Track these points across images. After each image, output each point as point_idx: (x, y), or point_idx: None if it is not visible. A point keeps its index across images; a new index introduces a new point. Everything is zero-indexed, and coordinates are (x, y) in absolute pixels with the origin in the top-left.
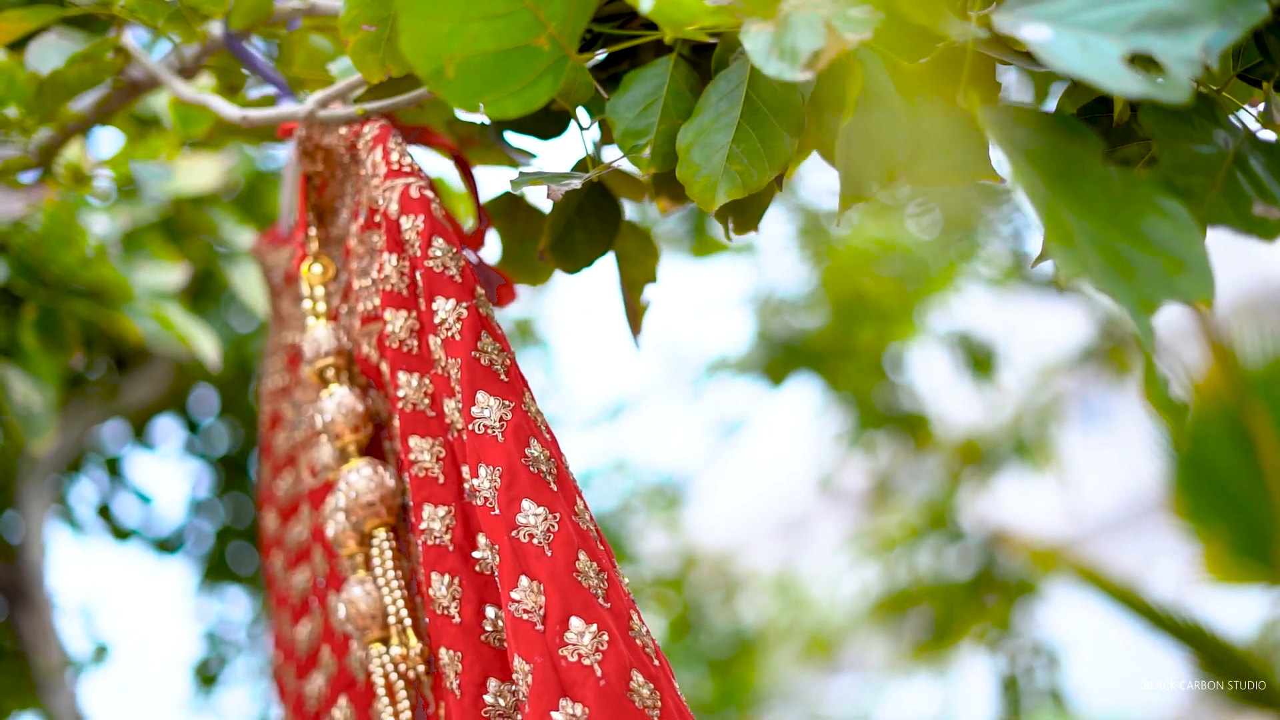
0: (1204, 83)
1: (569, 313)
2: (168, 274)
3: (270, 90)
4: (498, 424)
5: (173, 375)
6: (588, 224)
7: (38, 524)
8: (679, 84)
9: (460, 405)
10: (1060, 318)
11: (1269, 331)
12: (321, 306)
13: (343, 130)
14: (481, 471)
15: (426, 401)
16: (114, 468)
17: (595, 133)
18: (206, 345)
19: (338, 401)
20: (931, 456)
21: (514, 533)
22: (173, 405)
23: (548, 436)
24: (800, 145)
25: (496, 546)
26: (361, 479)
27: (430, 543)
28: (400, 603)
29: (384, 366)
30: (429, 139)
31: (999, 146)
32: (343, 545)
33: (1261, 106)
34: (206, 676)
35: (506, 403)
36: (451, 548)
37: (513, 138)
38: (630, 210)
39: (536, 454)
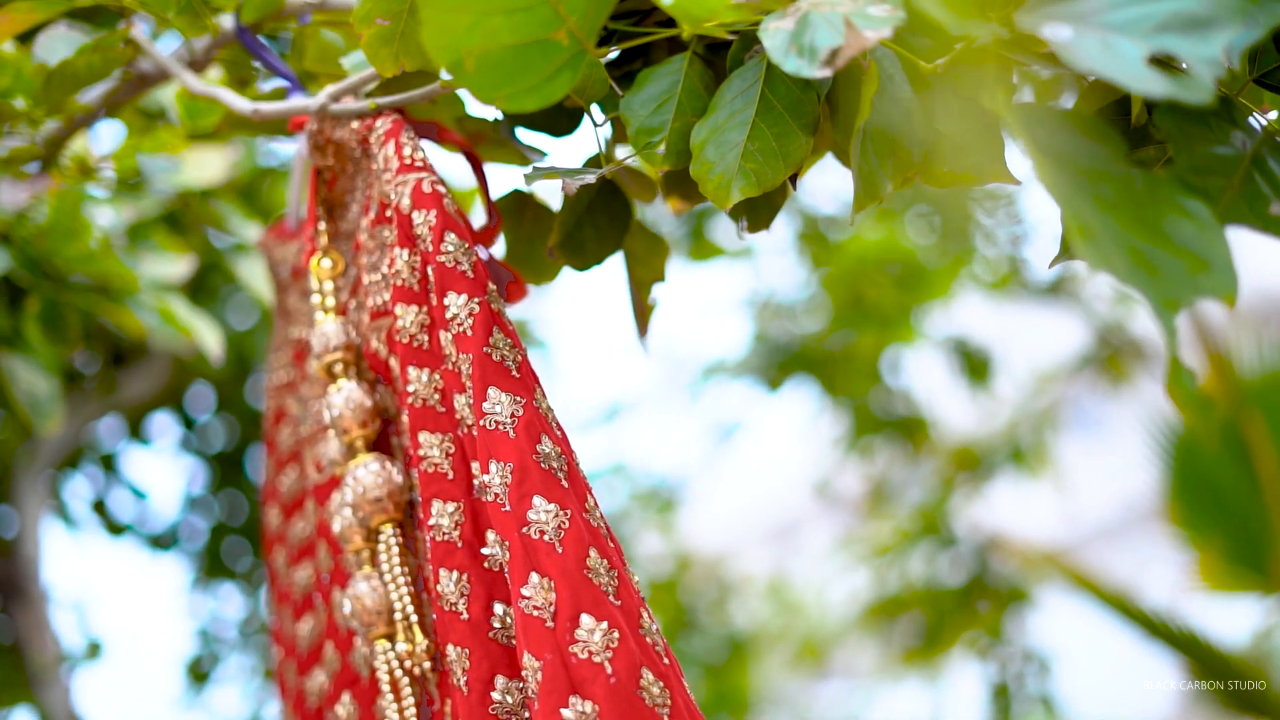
0: (1222, 85)
1: (565, 315)
2: (172, 266)
3: (280, 84)
4: (509, 420)
5: (170, 371)
6: (597, 222)
7: (33, 519)
8: (693, 82)
9: (471, 401)
10: (1057, 324)
11: (1266, 341)
12: (330, 301)
13: (354, 124)
14: (492, 467)
15: (436, 397)
16: (109, 463)
17: (606, 131)
18: (210, 338)
19: (346, 396)
20: (926, 462)
21: (525, 529)
22: (169, 401)
23: (559, 433)
24: (814, 145)
25: (507, 543)
26: (369, 474)
27: (439, 539)
28: (407, 599)
29: (393, 362)
30: (440, 135)
31: (1024, 145)
32: (349, 541)
33: (1275, 114)
34: (199, 674)
35: (518, 399)
36: (460, 544)
37: (524, 134)
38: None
39: (548, 450)
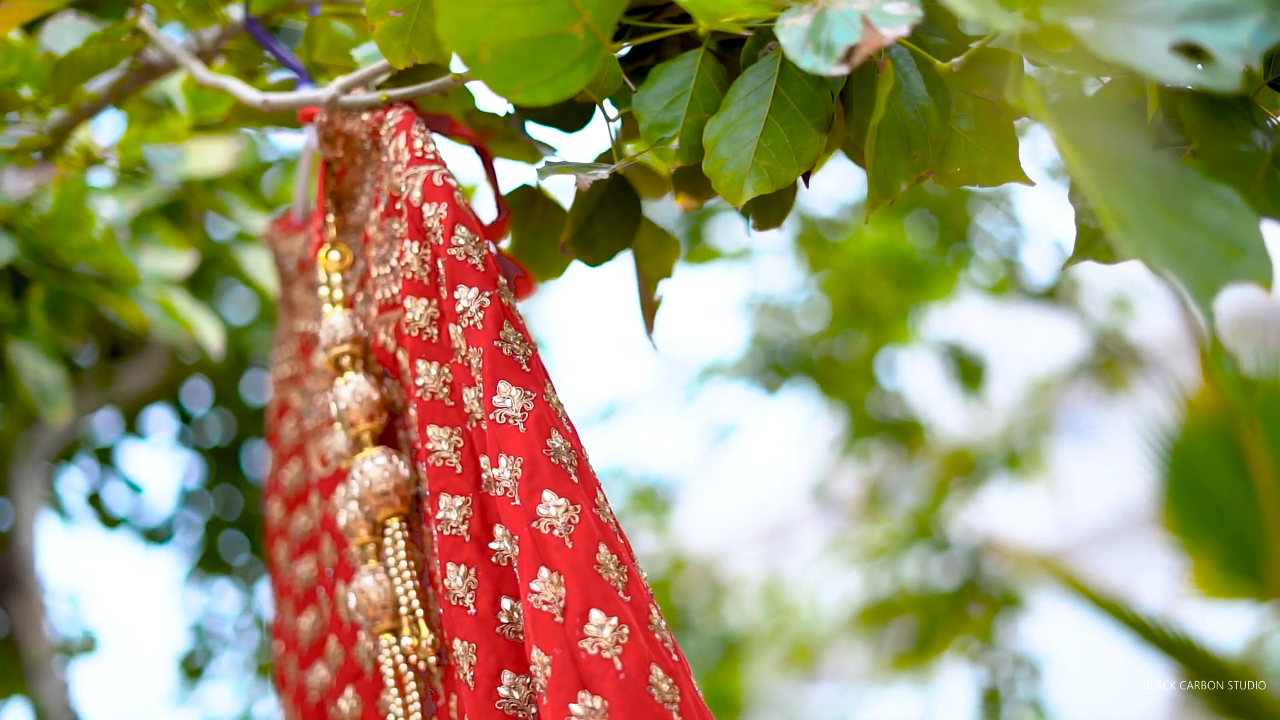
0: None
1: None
2: (174, 260)
3: (287, 76)
4: (519, 414)
5: (167, 364)
6: (608, 217)
7: (30, 511)
8: (707, 78)
9: (481, 395)
10: (1054, 330)
11: (1263, 348)
12: (338, 294)
13: (365, 116)
14: (502, 461)
15: (445, 391)
16: (105, 457)
17: (616, 126)
18: (210, 333)
19: (353, 389)
20: (921, 465)
21: (534, 524)
22: (165, 395)
23: (569, 429)
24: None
25: (516, 537)
26: (376, 467)
27: (446, 533)
28: (412, 593)
29: (401, 355)
30: (450, 129)
31: (1055, 135)
32: (354, 534)
33: None
34: (192, 669)
35: (528, 393)
36: (468, 538)
37: (534, 129)
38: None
39: (558, 445)
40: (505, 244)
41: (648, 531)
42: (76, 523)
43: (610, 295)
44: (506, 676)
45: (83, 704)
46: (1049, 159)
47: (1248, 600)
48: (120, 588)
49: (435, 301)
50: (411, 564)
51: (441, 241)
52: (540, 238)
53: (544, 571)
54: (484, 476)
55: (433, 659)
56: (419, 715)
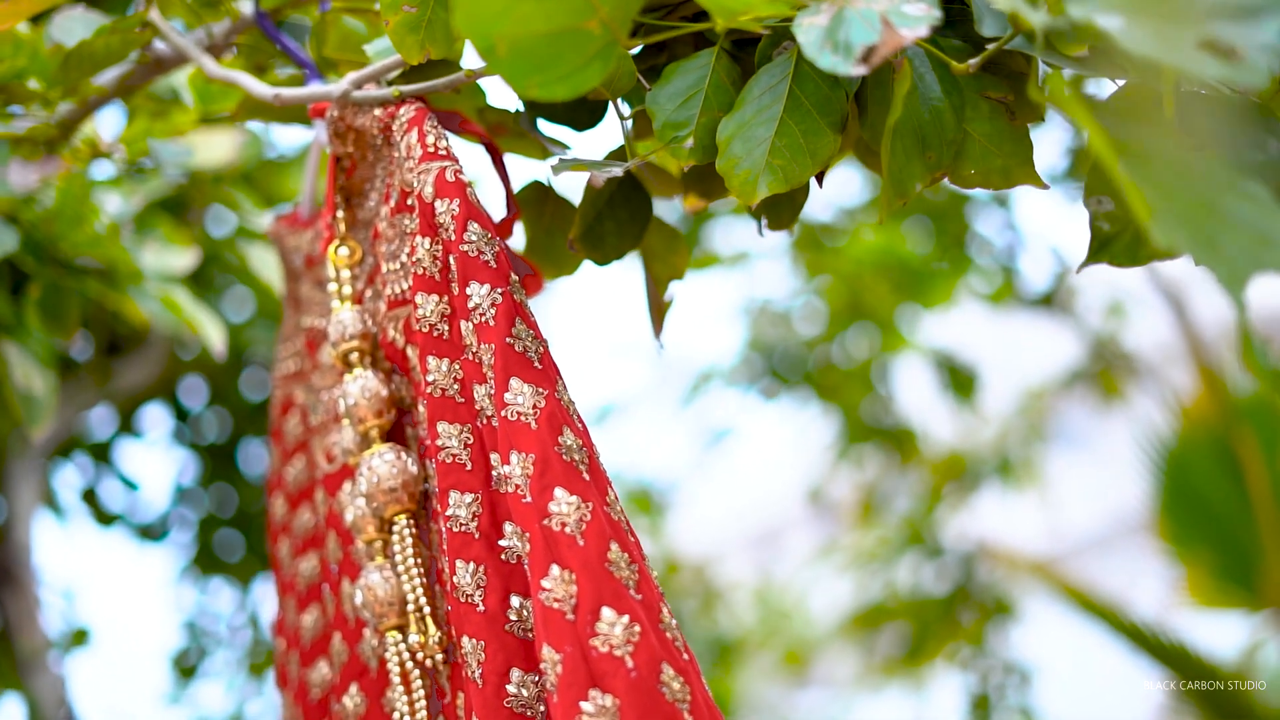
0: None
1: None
2: (178, 257)
3: (294, 72)
4: (531, 411)
5: (165, 361)
6: (618, 216)
7: (27, 506)
8: (720, 77)
9: (492, 391)
10: (1050, 337)
11: (1260, 357)
12: (347, 289)
13: (377, 112)
14: (513, 458)
15: (456, 387)
16: (101, 453)
17: (627, 126)
18: (213, 332)
19: (362, 385)
20: (915, 471)
21: (546, 521)
22: (162, 393)
23: (580, 426)
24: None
25: (527, 534)
26: (384, 464)
27: (455, 529)
28: (419, 590)
29: (411, 351)
30: (461, 126)
31: (1085, 128)
32: (361, 531)
33: None
34: (185, 667)
35: (540, 390)
36: (477, 535)
37: (545, 127)
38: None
39: (570, 443)
40: (515, 241)
41: (641, 534)
42: (71, 519)
43: (605, 297)
44: (515, 674)
45: (77, 700)
46: (1047, 166)
47: (1241, 610)
48: (114, 585)
49: (446, 298)
50: (419, 561)
51: (454, 237)
52: (552, 234)
53: (555, 569)
54: (494, 474)
55: (439, 656)
56: (425, 713)
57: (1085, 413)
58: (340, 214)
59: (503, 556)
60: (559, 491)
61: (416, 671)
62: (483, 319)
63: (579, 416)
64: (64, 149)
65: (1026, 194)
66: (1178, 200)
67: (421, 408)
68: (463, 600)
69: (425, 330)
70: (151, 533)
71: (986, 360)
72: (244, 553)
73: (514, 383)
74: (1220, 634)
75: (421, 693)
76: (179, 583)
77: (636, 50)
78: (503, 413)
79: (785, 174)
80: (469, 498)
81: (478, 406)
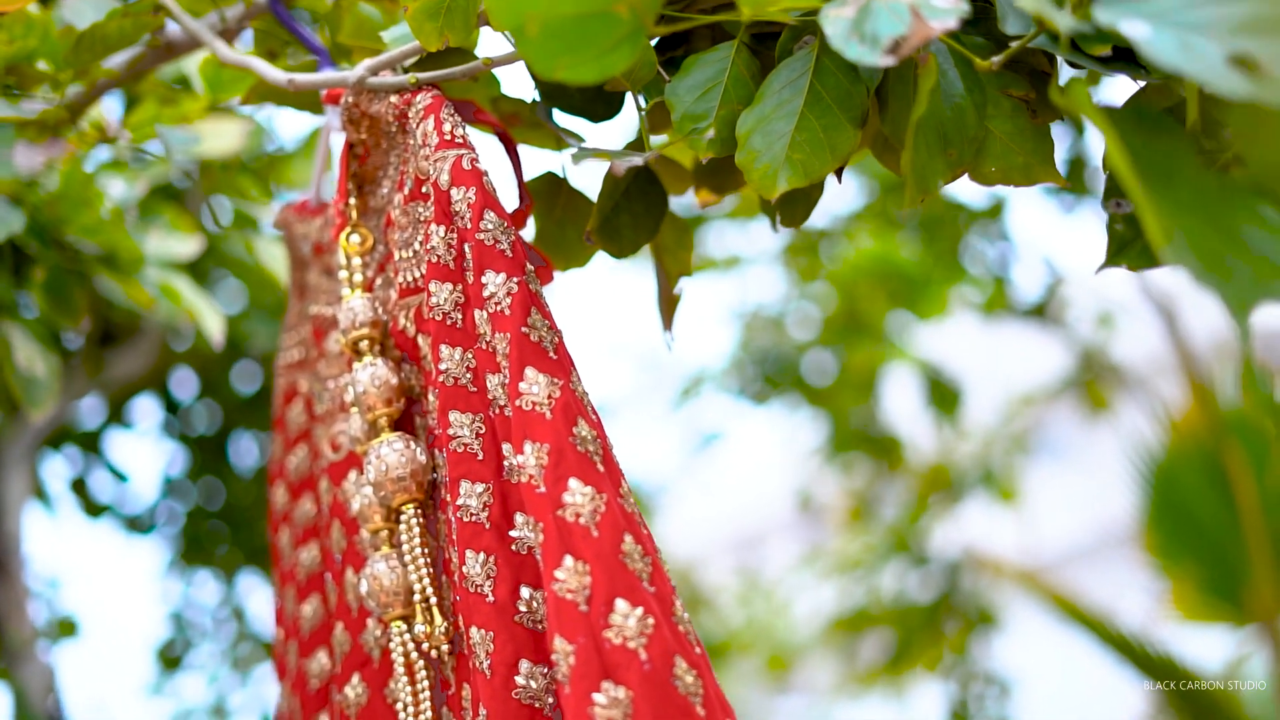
0: None
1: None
2: (181, 244)
3: (303, 58)
4: (546, 401)
5: (157, 352)
6: (634, 209)
7: (18, 496)
8: (740, 70)
9: (506, 381)
10: (1040, 347)
11: (1250, 373)
12: (358, 277)
13: (393, 98)
14: (527, 448)
15: (469, 376)
16: (91, 443)
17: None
18: (212, 322)
19: (371, 373)
20: (901, 479)
21: (560, 511)
22: (153, 384)
23: (594, 418)
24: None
25: (540, 525)
26: (393, 453)
27: (466, 519)
28: (426, 580)
29: (422, 340)
30: (474, 115)
31: (1109, 142)
32: (368, 520)
33: None
34: (170, 659)
35: (555, 380)
36: (488, 525)
37: (561, 118)
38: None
39: (584, 434)
40: (526, 233)
41: None
42: (59, 509)
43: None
44: (524, 665)
45: (64, 690)
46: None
47: (1226, 624)
48: (101, 576)
49: (460, 286)
50: (426, 551)
51: (469, 226)
52: (564, 226)
53: (569, 560)
54: (506, 464)
55: (445, 647)
56: (429, 704)
57: (1073, 423)
58: (352, 201)
59: (513, 547)
60: (573, 482)
61: (421, 662)
62: (498, 308)
63: (593, 408)
64: (70, 132)
65: (1020, 204)
66: (1193, 220)
67: (432, 397)
68: (472, 590)
69: (438, 319)
70: (139, 524)
71: (975, 370)
72: (230, 546)
73: (529, 372)
74: (1204, 647)
75: (426, 684)
76: (165, 575)
77: (654, 42)
78: (517, 402)
79: (805, 168)
80: (480, 487)
81: (490, 396)
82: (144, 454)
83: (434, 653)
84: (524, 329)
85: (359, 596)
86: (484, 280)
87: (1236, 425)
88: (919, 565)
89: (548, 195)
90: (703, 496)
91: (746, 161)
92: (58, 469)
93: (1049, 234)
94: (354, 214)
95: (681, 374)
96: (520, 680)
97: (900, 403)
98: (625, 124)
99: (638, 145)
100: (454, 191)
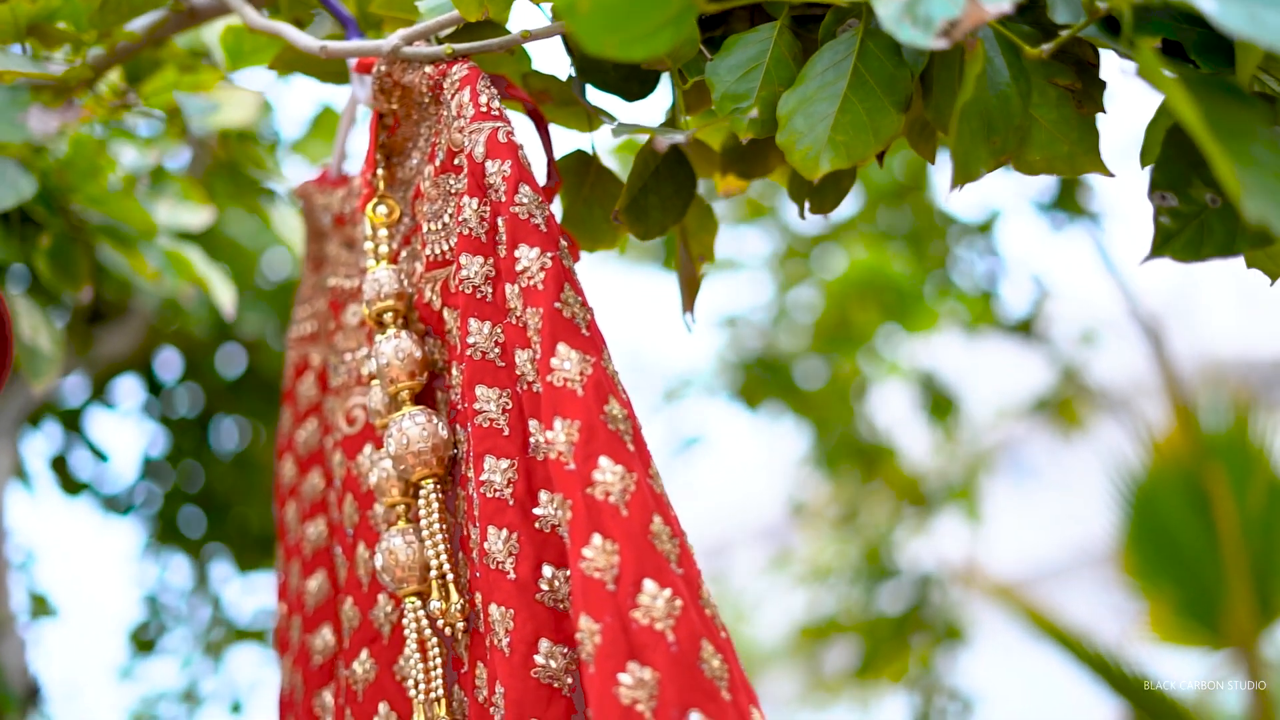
0: None
1: None
2: (192, 214)
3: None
4: (578, 378)
5: (145, 332)
6: (663, 190)
7: (2, 472)
8: (782, 51)
9: (537, 356)
10: (1022, 364)
11: (1234, 396)
12: (384, 249)
13: (427, 69)
14: (557, 425)
15: (497, 351)
16: (72, 421)
17: (669, 99)
18: (224, 294)
19: (395, 345)
20: (877, 490)
21: (589, 489)
22: (137, 364)
23: (624, 397)
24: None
25: (569, 502)
26: (415, 426)
27: (489, 495)
28: (443, 556)
29: (448, 314)
30: (506, 90)
31: (1178, 102)
32: (384, 494)
33: None
34: (143, 641)
35: (587, 357)
36: (511, 502)
37: (594, 96)
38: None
39: (615, 412)
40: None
41: None
42: (37, 487)
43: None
44: (544, 644)
45: (39, 669)
46: (1035, 193)
47: (1201, 648)
48: (77, 555)
49: (492, 260)
50: (444, 527)
51: (504, 199)
52: (592, 206)
53: (597, 538)
54: (532, 440)
55: (460, 624)
56: (440, 682)
57: (1052, 441)
58: (380, 172)
59: (537, 525)
60: (604, 460)
61: (434, 639)
62: (531, 283)
63: (623, 388)
64: (86, 96)
65: (1010, 221)
66: (1268, 176)
67: (457, 371)
68: (493, 567)
69: (468, 292)
70: (117, 505)
71: (957, 385)
72: (207, 529)
73: (561, 348)
74: (1178, 669)
75: (438, 661)
76: (141, 557)
77: None
78: (548, 378)
79: (848, 150)
80: (505, 463)
81: (518, 371)
82: (125, 434)
83: (448, 630)
84: (557, 304)
85: (371, 571)
86: (517, 254)
87: (1219, 448)
88: (890, 577)
89: (576, 174)
90: (680, 499)
91: (788, 142)
92: (37, 446)
93: (1038, 252)
94: (381, 185)
95: (663, 376)
96: (540, 659)
97: (886, 414)
98: (651, 106)
99: (669, 126)
100: (489, 164)
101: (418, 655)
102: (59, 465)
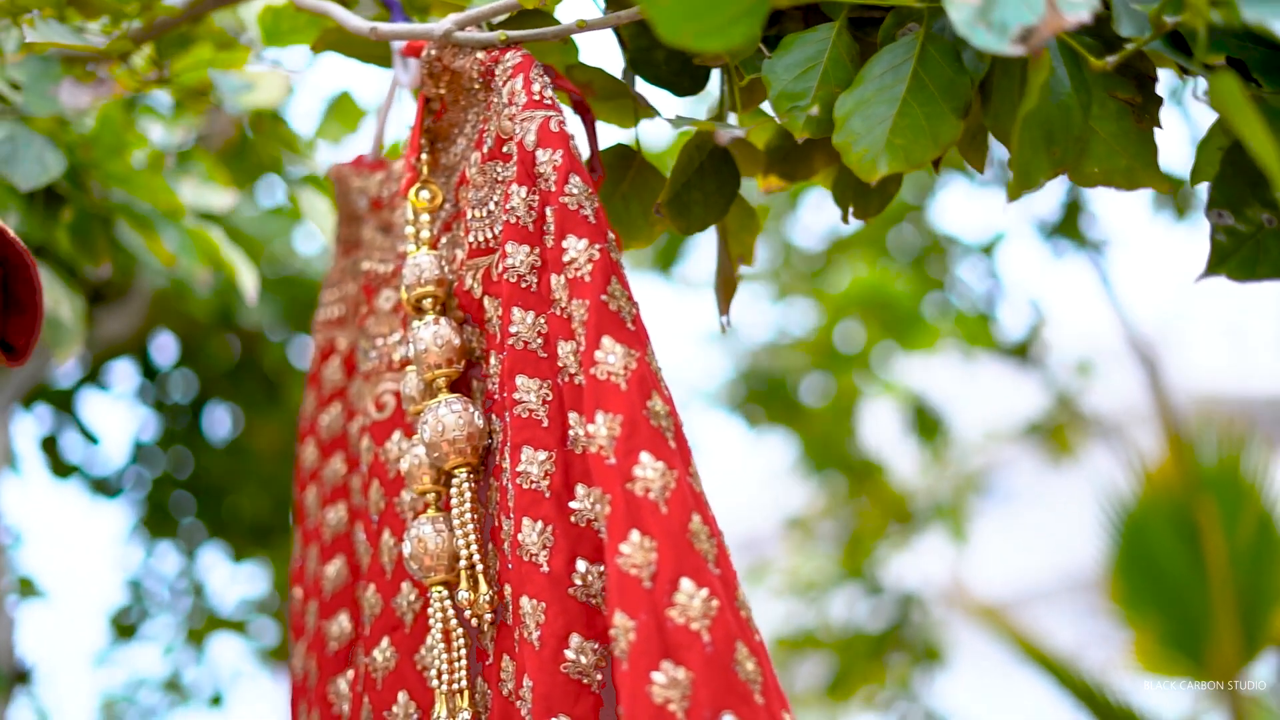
0: None
1: None
2: (217, 195)
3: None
4: (622, 372)
5: (144, 315)
6: (706, 186)
7: None
8: (840, 52)
9: (581, 348)
10: (1017, 389)
11: (1229, 429)
12: (425, 234)
13: (480, 55)
14: (599, 418)
15: (539, 341)
16: (64, 403)
17: (713, 98)
18: (247, 277)
19: (434, 332)
20: (863, 507)
21: (629, 484)
22: (133, 348)
23: (667, 394)
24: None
25: (608, 496)
26: (451, 414)
27: (526, 486)
28: (474, 546)
29: (488, 302)
30: (553, 81)
31: (1243, 121)
32: (415, 481)
33: None
34: (125, 626)
35: (632, 352)
36: (548, 494)
37: (642, 89)
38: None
39: (658, 409)
40: None
41: None
42: (25, 468)
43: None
44: (574, 640)
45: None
46: (1038, 216)
47: (1185, 679)
48: (62, 537)
49: (538, 249)
50: (476, 516)
51: (554, 189)
52: (630, 201)
53: (635, 534)
54: (571, 433)
55: (488, 616)
56: (463, 673)
57: (1040, 465)
58: (424, 156)
59: (572, 519)
60: (645, 456)
61: (459, 630)
62: (578, 274)
63: (666, 384)
64: (119, 70)
65: (1011, 245)
66: None
67: (495, 360)
68: (526, 559)
69: (512, 281)
70: (105, 488)
71: (949, 406)
72: (194, 517)
73: (606, 341)
74: (1160, 700)
75: (462, 652)
76: (127, 541)
77: None
78: (591, 371)
79: (906, 154)
80: (542, 455)
81: (560, 363)
82: (117, 417)
83: (475, 621)
84: (604, 297)
85: (395, 558)
86: (565, 245)
87: (1211, 481)
88: (872, 594)
89: (617, 168)
90: None
91: (845, 144)
92: (27, 426)
93: (1037, 276)
94: (425, 170)
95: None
96: (570, 654)
97: (879, 429)
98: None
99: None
100: (540, 153)
101: (442, 645)
102: (49, 446)
